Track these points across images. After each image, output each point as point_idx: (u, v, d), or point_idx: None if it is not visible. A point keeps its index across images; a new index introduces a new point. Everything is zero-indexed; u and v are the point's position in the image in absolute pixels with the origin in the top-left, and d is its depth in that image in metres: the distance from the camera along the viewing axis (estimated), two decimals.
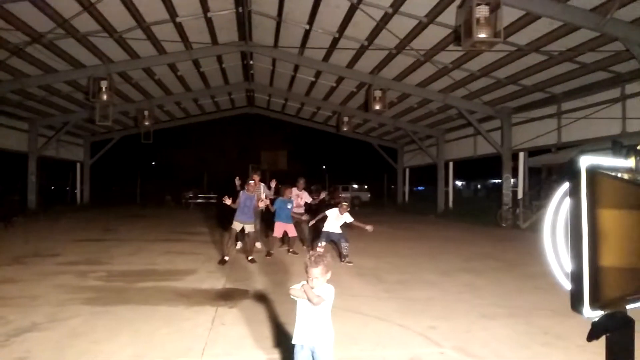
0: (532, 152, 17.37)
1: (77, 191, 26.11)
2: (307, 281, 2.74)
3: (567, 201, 1.62)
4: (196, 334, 4.23)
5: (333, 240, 8.44)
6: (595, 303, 1.51)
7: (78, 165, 25.68)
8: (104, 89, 13.74)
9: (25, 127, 19.78)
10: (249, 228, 8.39)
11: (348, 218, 8.28)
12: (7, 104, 17.08)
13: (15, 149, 19.61)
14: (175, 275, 6.92)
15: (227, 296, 5.72)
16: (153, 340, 4.05)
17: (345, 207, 8.31)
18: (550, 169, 19.09)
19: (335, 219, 8.20)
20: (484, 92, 15.40)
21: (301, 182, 10.30)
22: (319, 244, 8.14)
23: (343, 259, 8.12)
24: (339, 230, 8.22)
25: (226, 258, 8.10)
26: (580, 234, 1.50)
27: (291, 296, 2.77)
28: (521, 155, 16.97)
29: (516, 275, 7.31)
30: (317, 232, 9.02)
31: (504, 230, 14.75)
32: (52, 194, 27.63)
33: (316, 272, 2.72)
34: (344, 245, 8.09)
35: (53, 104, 18.43)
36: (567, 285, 1.62)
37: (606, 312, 1.54)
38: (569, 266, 1.63)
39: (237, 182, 9.23)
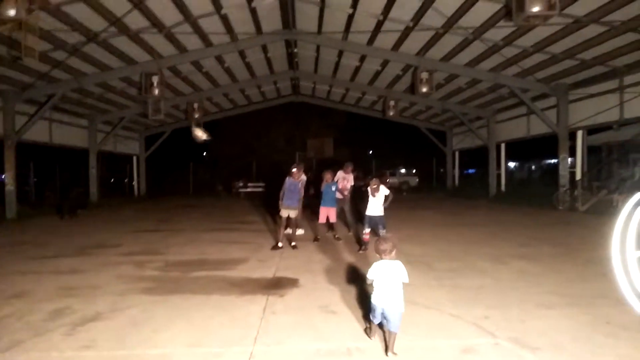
0: (591, 130, 16.39)
1: (135, 183, 27.34)
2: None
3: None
4: (248, 322, 4.33)
5: (373, 225, 8.24)
6: None
7: (134, 158, 26.87)
8: (155, 84, 14.27)
9: (85, 123, 20.90)
10: (293, 214, 8.56)
11: (385, 191, 7.99)
12: (68, 102, 18.06)
13: (77, 145, 20.77)
14: (227, 265, 7.12)
15: (277, 285, 5.82)
16: (207, 328, 4.19)
17: (374, 183, 7.97)
18: (611, 148, 17.93)
19: (375, 200, 7.99)
20: (537, 68, 14.64)
21: (349, 166, 10.38)
22: (364, 231, 8.04)
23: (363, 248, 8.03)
24: (381, 213, 7.97)
25: (280, 244, 8.37)
26: None
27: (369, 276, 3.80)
28: (579, 133, 16.06)
29: (575, 262, 6.97)
30: (360, 217, 8.92)
31: (561, 214, 14.08)
32: (111, 187, 29.08)
33: (386, 246, 3.85)
34: (382, 231, 7.93)
35: (109, 101, 19.31)
36: (639, 307, 1.48)
37: None
38: None
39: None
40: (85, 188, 21.79)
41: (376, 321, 3.78)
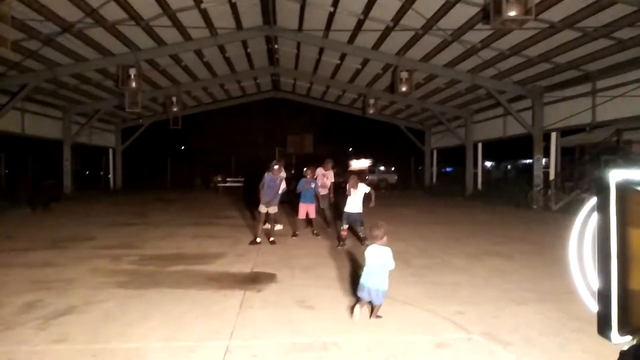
0: (565, 132, 16.81)
1: (110, 176, 26.86)
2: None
3: (595, 217, 1.49)
4: (225, 317, 4.32)
5: (351, 223, 8.34)
6: (624, 328, 1.40)
7: (110, 150, 26.40)
8: (132, 77, 14.04)
9: (59, 115, 20.42)
10: (272, 210, 8.58)
11: (365, 188, 8.14)
12: (42, 93, 17.61)
13: (51, 137, 20.27)
14: (205, 259, 7.07)
15: (255, 280, 5.82)
16: (183, 323, 4.16)
17: (353, 180, 8.15)
18: (583, 149, 18.43)
19: (354, 197, 8.11)
20: (514, 71, 14.94)
21: (329, 163, 10.38)
22: (342, 227, 8.14)
23: (363, 242, 8.09)
24: (359, 210, 8.12)
25: (258, 239, 8.35)
26: (609, 254, 1.38)
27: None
28: (553, 135, 16.45)
29: (548, 259, 7.15)
30: (339, 213, 9.01)
31: (534, 213, 14.42)
32: (86, 179, 28.51)
33: (378, 232, 4.43)
34: (360, 228, 8.09)
35: (85, 92, 18.90)
36: (594, 307, 1.53)
37: (636, 340, 1.44)
38: (596, 285, 1.52)
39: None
40: (58, 180, 21.29)
41: (363, 297, 4.26)
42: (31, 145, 21.57)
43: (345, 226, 8.15)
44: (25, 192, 17.83)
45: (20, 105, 17.60)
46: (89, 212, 14.32)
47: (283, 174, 9.12)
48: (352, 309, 4.34)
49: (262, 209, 8.53)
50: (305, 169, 9.60)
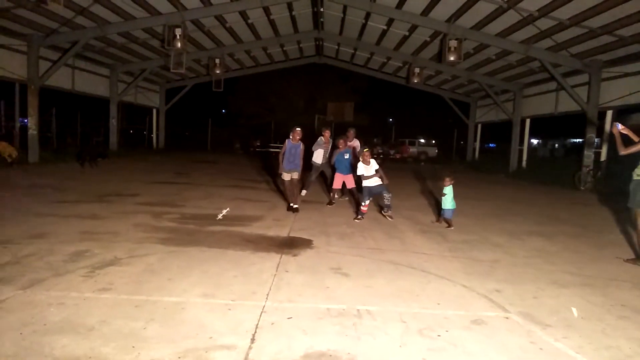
0: (621, 111, 15.83)
1: (153, 135, 27.56)
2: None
3: None
4: (261, 278, 4.39)
5: (376, 195, 8.10)
6: None
7: (154, 110, 26.95)
8: (178, 37, 14.13)
9: (107, 73, 20.93)
10: (296, 176, 8.30)
11: (375, 165, 7.85)
12: (91, 50, 18.03)
13: (99, 94, 20.87)
14: (243, 221, 7.20)
15: (291, 244, 5.88)
16: (221, 281, 4.26)
17: (366, 154, 7.84)
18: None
19: (366, 171, 7.84)
20: (572, 43, 14.02)
21: (351, 132, 10.05)
22: (363, 202, 7.88)
23: (385, 210, 7.98)
24: (378, 182, 7.87)
25: (295, 205, 8.30)
26: None
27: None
28: (609, 113, 15.54)
29: (593, 243, 6.87)
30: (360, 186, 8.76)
31: (581, 194, 13.84)
32: (130, 138, 29.39)
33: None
34: (386, 196, 7.82)
35: (132, 51, 19.22)
36: None
37: None
38: None
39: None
40: (105, 137, 22.08)
41: (367, 201, 6.91)
42: (80, 101, 22.32)
43: (367, 201, 7.91)
44: (74, 147, 18.63)
45: (71, 62, 18.13)
46: (133, 170, 14.81)
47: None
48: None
49: (286, 176, 8.29)
50: (337, 139, 9.45)
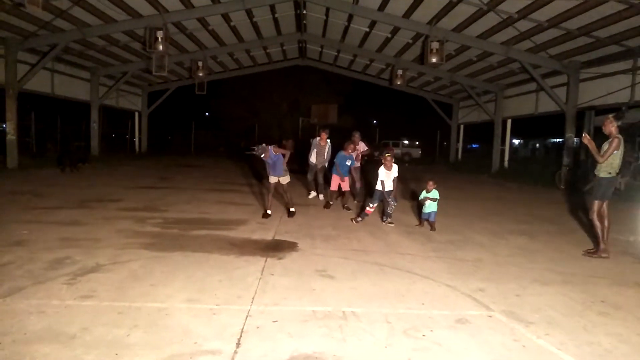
0: (599, 111, 16.15)
1: (136, 139, 27.24)
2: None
3: None
4: (246, 282, 4.37)
5: (382, 200, 7.96)
6: None
7: (136, 114, 26.65)
8: (160, 39, 14.00)
9: (87, 76, 20.63)
10: (284, 180, 8.14)
11: (395, 172, 7.74)
12: (71, 53, 17.76)
13: (79, 98, 20.56)
14: (227, 225, 7.16)
15: (276, 247, 5.86)
16: (206, 286, 4.23)
17: (389, 159, 7.67)
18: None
19: (387, 177, 7.73)
20: (551, 44, 14.29)
21: (357, 135, 10.03)
22: (370, 205, 7.79)
23: (385, 219, 7.84)
24: (391, 187, 7.75)
25: (268, 212, 8.04)
26: None
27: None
28: (587, 113, 15.84)
29: (573, 241, 7.00)
30: (368, 190, 8.76)
31: (562, 193, 14.08)
32: (112, 142, 29.01)
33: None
34: (392, 204, 7.70)
35: (112, 54, 18.98)
36: None
37: None
38: None
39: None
40: (86, 142, 21.74)
41: (375, 203, 7.12)
42: (60, 105, 21.95)
43: (375, 204, 7.81)
44: (54, 152, 18.32)
45: (51, 66, 17.83)
46: (116, 174, 14.62)
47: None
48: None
49: (272, 180, 8.11)
50: (347, 144, 9.33)
